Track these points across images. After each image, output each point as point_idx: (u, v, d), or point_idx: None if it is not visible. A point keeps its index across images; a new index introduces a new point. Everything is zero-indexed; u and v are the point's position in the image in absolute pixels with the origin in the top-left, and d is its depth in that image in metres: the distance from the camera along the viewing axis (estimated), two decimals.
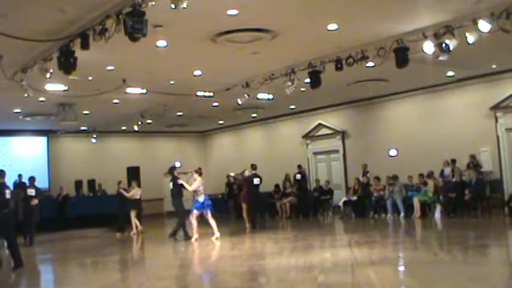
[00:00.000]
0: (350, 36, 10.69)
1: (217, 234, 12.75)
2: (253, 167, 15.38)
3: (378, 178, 17.25)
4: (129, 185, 17.02)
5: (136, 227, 15.80)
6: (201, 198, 12.78)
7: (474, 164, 15.88)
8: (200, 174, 13.04)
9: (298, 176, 19.85)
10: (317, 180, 20.16)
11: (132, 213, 15.89)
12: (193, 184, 12.86)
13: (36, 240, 14.01)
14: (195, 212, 12.84)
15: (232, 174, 15.50)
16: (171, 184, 13.31)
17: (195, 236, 12.84)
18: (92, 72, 12.24)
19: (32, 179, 14.46)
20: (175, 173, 13.56)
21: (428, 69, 13.00)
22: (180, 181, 13.15)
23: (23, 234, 13.58)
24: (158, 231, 16.42)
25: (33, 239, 13.85)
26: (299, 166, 20.34)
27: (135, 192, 16.10)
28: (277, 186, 20.19)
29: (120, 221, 16.23)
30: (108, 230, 17.30)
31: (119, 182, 16.90)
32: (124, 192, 16.16)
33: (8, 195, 9.76)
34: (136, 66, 12.26)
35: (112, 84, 13.35)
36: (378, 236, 12.51)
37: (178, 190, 13.34)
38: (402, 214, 15.95)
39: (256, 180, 15.18)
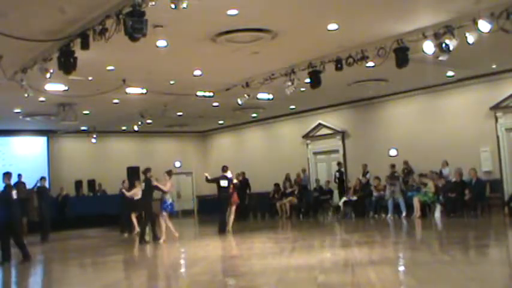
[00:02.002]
0: (350, 36, 10.69)
1: (163, 238, 13.19)
2: (223, 168, 15.07)
3: (378, 178, 17.28)
4: (131, 184, 16.91)
5: (134, 228, 15.76)
6: (169, 200, 13.25)
7: (408, 170, 17.21)
8: (170, 176, 13.50)
9: (338, 174, 19.43)
10: (317, 180, 20.17)
11: (133, 215, 15.84)
12: (167, 185, 13.16)
13: (36, 240, 14.04)
14: (165, 214, 13.27)
15: (206, 174, 15.46)
16: (143, 185, 13.54)
17: (176, 235, 13.30)
18: (92, 72, 12.25)
19: (43, 179, 14.64)
20: (149, 174, 13.67)
21: (428, 69, 13.00)
22: (155, 183, 13.33)
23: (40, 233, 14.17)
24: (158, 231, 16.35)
25: (48, 236, 14.27)
26: (339, 163, 19.51)
27: (136, 192, 16.01)
28: (277, 186, 20.23)
29: (122, 221, 16.21)
30: (109, 230, 17.32)
31: (123, 182, 16.91)
32: (125, 192, 16.13)
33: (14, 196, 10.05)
34: (136, 66, 12.26)
35: (112, 84, 13.34)
36: (378, 236, 12.51)
37: (150, 191, 13.50)
38: (404, 214, 15.97)
39: (222, 182, 14.67)
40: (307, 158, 21.36)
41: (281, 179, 20.35)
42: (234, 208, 15.04)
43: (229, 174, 15.10)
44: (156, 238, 13.34)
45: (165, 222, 13.30)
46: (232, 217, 14.92)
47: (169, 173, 13.66)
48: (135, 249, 13.18)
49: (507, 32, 8.99)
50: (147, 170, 13.66)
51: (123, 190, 16.24)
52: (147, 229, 13.59)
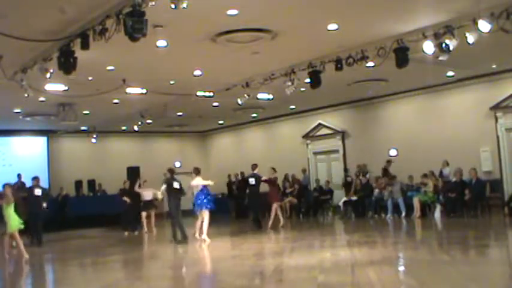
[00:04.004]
0: (350, 36, 10.69)
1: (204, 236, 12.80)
2: (252, 167, 15.32)
3: (379, 178, 17.26)
4: (133, 185, 16.80)
5: (142, 227, 15.84)
6: (201, 197, 12.92)
7: (364, 173, 18.00)
8: (198, 173, 13.08)
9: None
10: (317, 180, 20.17)
11: (143, 214, 15.89)
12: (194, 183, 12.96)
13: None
14: (205, 211, 12.77)
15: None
16: (164, 186, 13.31)
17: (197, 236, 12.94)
18: (92, 72, 12.25)
19: (36, 179, 14.41)
20: (173, 174, 13.54)
21: (428, 69, 13.00)
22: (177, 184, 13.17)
23: (30, 235, 13.73)
24: (158, 232, 16.39)
25: (41, 239, 13.95)
26: (388, 161, 17.92)
27: (144, 192, 16.04)
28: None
29: (126, 220, 16.21)
30: (109, 230, 17.31)
31: (124, 182, 16.97)
32: (139, 191, 16.10)
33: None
34: (136, 66, 12.26)
35: (112, 84, 13.35)
36: (378, 236, 12.51)
37: (176, 191, 13.25)
38: (403, 214, 15.96)
39: (251, 180, 15.12)
40: (307, 158, 21.37)
41: (281, 179, 20.34)
42: (275, 206, 15.16)
43: (272, 174, 15.45)
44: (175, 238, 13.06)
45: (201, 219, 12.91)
46: (278, 215, 15.20)
47: (196, 170, 13.27)
48: (139, 249, 13.21)
49: (507, 32, 8.99)
50: (171, 171, 13.50)
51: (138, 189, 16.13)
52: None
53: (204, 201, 12.69)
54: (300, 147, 21.64)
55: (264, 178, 15.34)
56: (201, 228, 12.76)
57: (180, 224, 12.84)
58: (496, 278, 6.92)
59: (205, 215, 12.64)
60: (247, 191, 15.86)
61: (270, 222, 14.95)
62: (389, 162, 17.55)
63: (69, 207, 19.57)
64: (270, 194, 15.40)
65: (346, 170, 19.72)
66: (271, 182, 15.46)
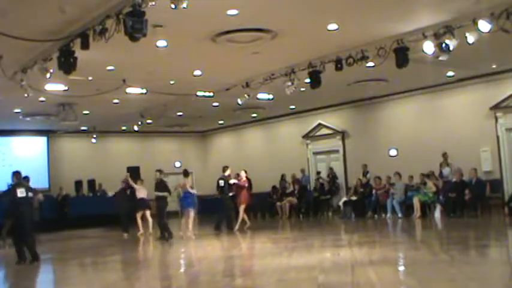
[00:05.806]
0: (350, 36, 10.70)
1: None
2: (223, 169, 15.35)
3: (379, 178, 17.27)
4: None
5: (139, 228, 15.76)
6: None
7: (332, 176, 18.96)
8: (186, 176, 14.14)
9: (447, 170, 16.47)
10: (317, 180, 20.17)
11: (138, 215, 15.76)
12: (187, 185, 13.80)
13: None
14: (191, 210, 13.77)
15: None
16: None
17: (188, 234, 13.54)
18: (92, 72, 12.25)
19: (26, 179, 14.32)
20: (162, 175, 13.88)
21: (428, 69, 13.00)
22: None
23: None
24: (158, 232, 16.38)
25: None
26: (444, 154, 16.27)
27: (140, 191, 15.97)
28: (274, 188, 20.25)
29: (123, 221, 16.15)
30: (109, 230, 17.31)
31: (122, 182, 16.91)
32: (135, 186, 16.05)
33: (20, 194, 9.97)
34: (136, 66, 12.26)
35: (112, 84, 13.35)
36: (377, 236, 12.51)
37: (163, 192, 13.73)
38: (399, 215, 15.96)
39: (220, 182, 15.09)
40: (307, 158, 21.36)
41: (278, 180, 20.43)
42: (242, 208, 15.00)
43: (242, 175, 15.38)
44: (162, 237, 13.49)
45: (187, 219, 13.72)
46: (240, 218, 14.92)
47: (185, 172, 14.25)
48: (139, 249, 13.21)
49: (507, 32, 8.99)
50: (160, 171, 13.84)
51: (135, 187, 16.02)
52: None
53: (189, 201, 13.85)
54: (299, 147, 21.62)
55: (233, 181, 15.27)
56: (186, 226, 13.73)
57: (159, 224, 13.64)
58: (496, 278, 6.92)
59: (191, 213, 13.69)
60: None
61: (237, 224, 14.83)
62: (445, 154, 16.22)
63: (69, 207, 19.57)
64: (238, 196, 15.21)
65: (318, 172, 20.13)
66: (241, 185, 15.24)
